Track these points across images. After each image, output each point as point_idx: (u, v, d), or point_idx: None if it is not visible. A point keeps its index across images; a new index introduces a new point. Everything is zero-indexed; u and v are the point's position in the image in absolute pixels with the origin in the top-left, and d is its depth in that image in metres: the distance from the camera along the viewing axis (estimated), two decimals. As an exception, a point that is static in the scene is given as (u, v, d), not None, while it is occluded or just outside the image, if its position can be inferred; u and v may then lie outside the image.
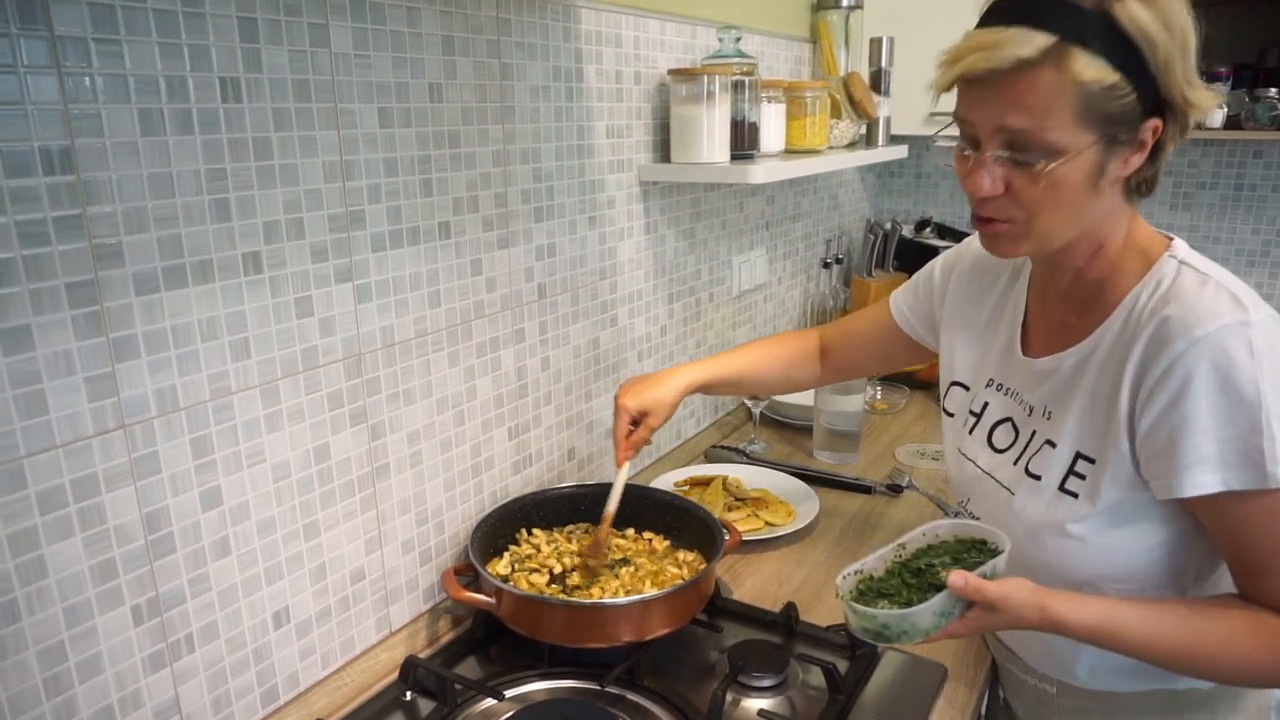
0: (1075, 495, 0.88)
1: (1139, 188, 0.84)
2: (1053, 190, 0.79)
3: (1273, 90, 1.99)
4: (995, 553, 0.88)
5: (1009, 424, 0.98)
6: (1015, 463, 0.95)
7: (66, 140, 0.72)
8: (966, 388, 1.06)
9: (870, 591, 0.92)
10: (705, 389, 1.22)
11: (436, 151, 1.08)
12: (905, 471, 1.63)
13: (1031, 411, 0.95)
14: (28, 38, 0.69)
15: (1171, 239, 0.87)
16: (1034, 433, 0.94)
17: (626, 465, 1.18)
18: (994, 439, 1.00)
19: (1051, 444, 0.91)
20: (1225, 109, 2.05)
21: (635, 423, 1.16)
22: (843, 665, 1.07)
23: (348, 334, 1.00)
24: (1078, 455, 0.88)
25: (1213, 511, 0.81)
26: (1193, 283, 0.81)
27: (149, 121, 0.78)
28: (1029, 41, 0.74)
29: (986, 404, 1.02)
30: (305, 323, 0.95)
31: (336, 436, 1.01)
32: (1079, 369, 0.89)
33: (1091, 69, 0.73)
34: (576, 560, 1.19)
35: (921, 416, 1.97)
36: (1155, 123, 0.78)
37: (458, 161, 1.11)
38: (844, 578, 0.92)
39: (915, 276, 1.19)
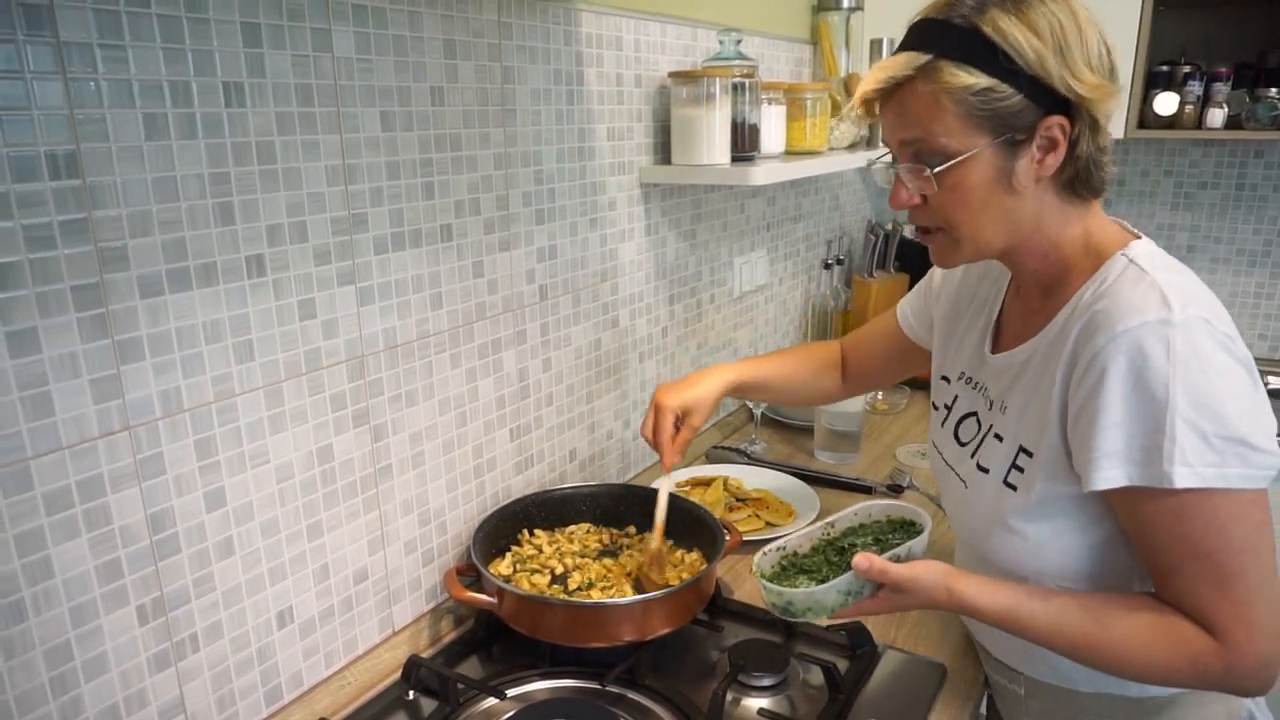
0: (1014, 489, 0.90)
1: (1073, 186, 0.85)
2: (956, 193, 0.84)
3: (1273, 90, 1.99)
4: (919, 534, 0.92)
5: (974, 418, 1.00)
6: (972, 456, 0.97)
7: (72, 145, 0.73)
8: (948, 381, 1.08)
9: (792, 568, 0.97)
10: (739, 390, 1.24)
11: (438, 154, 1.08)
12: (906, 472, 1.64)
13: (991, 406, 0.97)
14: (34, 43, 0.70)
15: (1138, 238, 0.88)
16: (991, 427, 0.96)
17: (672, 471, 1.19)
18: (959, 432, 1.02)
19: (999, 437, 0.93)
20: (1226, 109, 2.05)
21: (676, 426, 1.17)
22: (843, 665, 1.08)
23: (350, 336, 1.01)
24: (1020, 449, 0.90)
25: (1124, 508, 0.82)
26: (1129, 280, 0.82)
27: (153, 126, 0.79)
28: (906, 62, 0.82)
29: (956, 397, 1.04)
30: (308, 325, 0.96)
31: (339, 438, 1.02)
32: (1026, 364, 0.91)
33: (959, 76, 0.79)
34: (627, 570, 1.18)
35: (922, 417, 1.97)
36: (1058, 120, 0.80)
37: (459, 164, 1.12)
38: (764, 554, 0.97)
39: (920, 282, 1.21)
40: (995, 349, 0.98)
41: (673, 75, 1.43)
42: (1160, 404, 0.76)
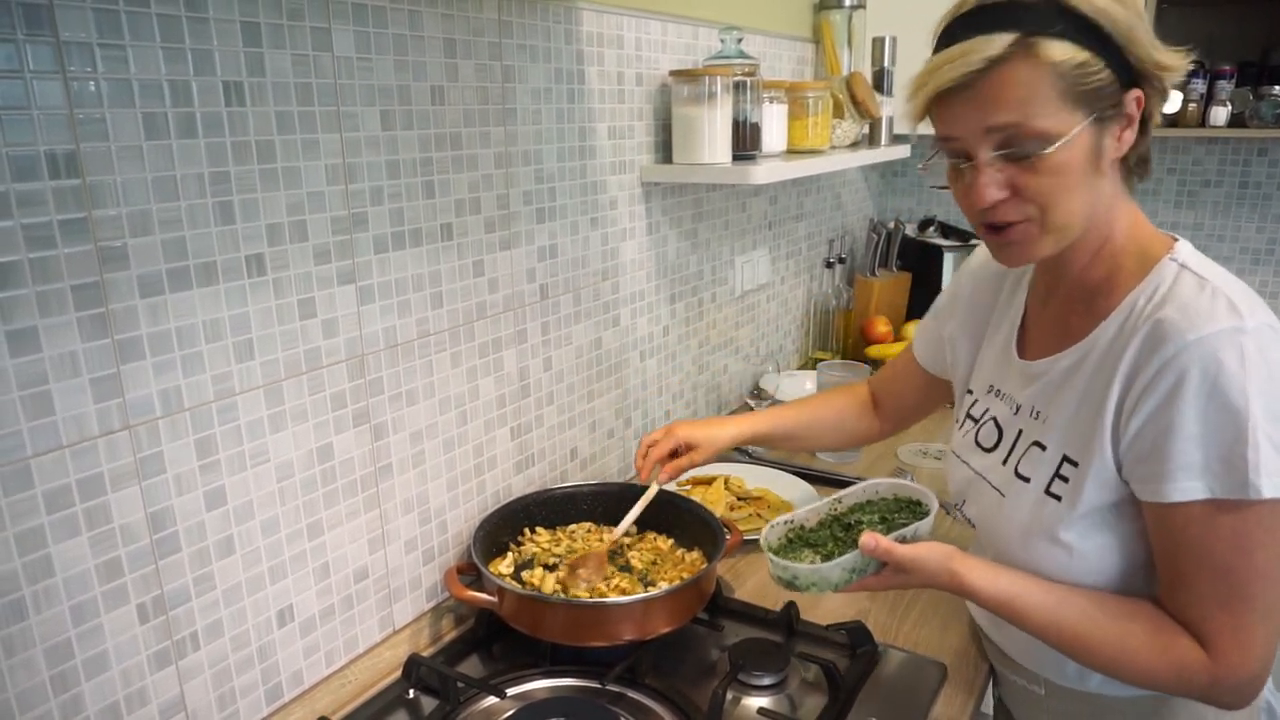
0: (1059, 499, 0.88)
1: (1137, 168, 0.85)
2: (1060, 176, 0.79)
3: (1277, 88, 1.99)
4: (925, 514, 0.93)
5: (993, 423, 0.99)
6: (1004, 463, 0.96)
7: (72, 144, 0.73)
8: (972, 393, 1.07)
9: (799, 541, 0.98)
10: (761, 440, 1.26)
11: (438, 153, 1.08)
12: (908, 471, 1.64)
13: (1018, 410, 0.95)
14: (33, 43, 0.70)
15: (1176, 240, 0.86)
16: (1020, 432, 0.94)
17: (654, 489, 1.21)
18: (980, 438, 1.01)
19: (1041, 446, 0.91)
20: (1230, 107, 2.04)
21: (675, 453, 1.19)
22: (843, 664, 1.07)
23: (350, 335, 1.01)
24: (1064, 458, 0.88)
25: (1177, 517, 0.79)
26: (1191, 287, 0.80)
27: (153, 125, 0.79)
28: (994, 42, 0.76)
29: (984, 408, 1.03)
30: (308, 324, 0.96)
31: (339, 437, 1.02)
32: (1072, 371, 0.88)
33: (1060, 50, 0.75)
34: (565, 564, 1.18)
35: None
36: (1137, 93, 0.79)
37: (460, 163, 1.12)
38: (772, 527, 0.98)
39: (926, 315, 1.20)
40: (1022, 355, 0.97)
41: (674, 74, 1.43)
42: (1239, 413, 0.74)
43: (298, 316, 0.95)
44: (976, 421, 1.03)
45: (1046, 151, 0.77)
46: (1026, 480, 0.92)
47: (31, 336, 0.73)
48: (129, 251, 0.79)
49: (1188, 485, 0.77)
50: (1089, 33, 0.75)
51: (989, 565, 0.88)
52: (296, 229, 0.93)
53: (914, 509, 0.98)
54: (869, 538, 0.88)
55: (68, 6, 0.72)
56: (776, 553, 0.96)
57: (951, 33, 0.80)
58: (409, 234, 1.06)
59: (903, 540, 0.90)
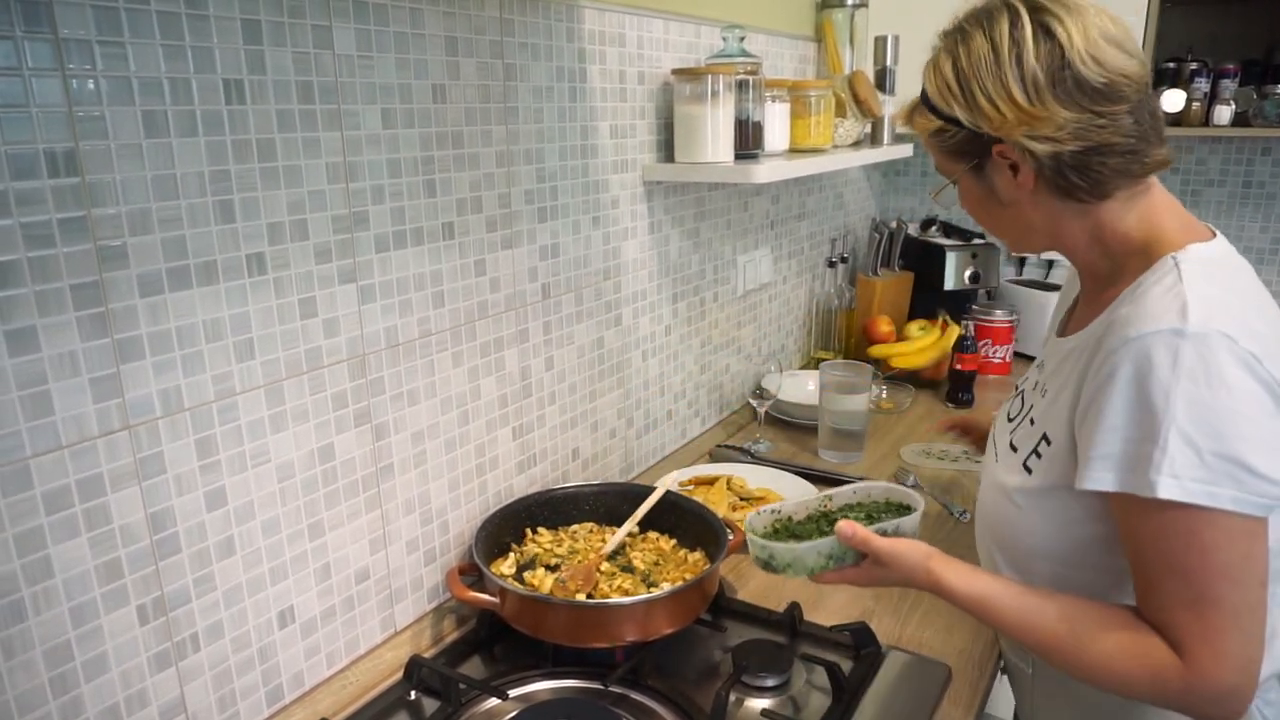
0: (1030, 471, 0.92)
1: (1072, 191, 0.85)
2: (969, 204, 0.96)
3: (1281, 87, 1.98)
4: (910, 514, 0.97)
5: (1020, 397, 1.04)
6: (1012, 433, 0.99)
7: (71, 142, 0.73)
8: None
9: (784, 531, 1.02)
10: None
11: (440, 152, 1.08)
12: (910, 471, 1.63)
13: (1036, 386, 0.99)
14: (32, 40, 0.70)
15: (1214, 235, 0.88)
16: (1031, 406, 0.98)
17: (660, 491, 1.24)
18: (1010, 409, 1.05)
19: (1032, 421, 0.95)
20: (1234, 106, 2.04)
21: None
22: (846, 665, 1.07)
23: (352, 335, 1.01)
24: (1043, 436, 0.91)
25: (1119, 514, 0.82)
26: (1161, 287, 0.80)
27: (153, 123, 0.78)
28: (906, 108, 0.96)
29: (1025, 380, 1.07)
30: (309, 324, 0.96)
31: (341, 437, 1.01)
32: (1071, 355, 0.91)
33: (921, 121, 0.93)
34: (562, 571, 1.17)
35: (926, 416, 1.97)
36: (999, 147, 0.86)
37: (461, 162, 1.11)
38: (758, 514, 1.02)
39: None
40: (1062, 332, 1.00)
41: (676, 73, 1.42)
42: (1158, 413, 0.75)
43: (298, 316, 0.94)
44: (1017, 391, 1.07)
45: (941, 189, 0.96)
46: (1015, 450, 0.96)
47: (30, 336, 0.73)
48: (129, 250, 0.78)
49: (1101, 476, 0.79)
50: (933, 108, 0.89)
51: (966, 566, 0.90)
52: (297, 228, 0.92)
53: (902, 512, 0.99)
54: (846, 525, 0.92)
55: (67, 3, 0.71)
56: (760, 537, 0.98)
57: None
58: (410, 233, 1.06)
59: (883, 534, 0.93)
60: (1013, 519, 0.94)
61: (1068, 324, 1.00)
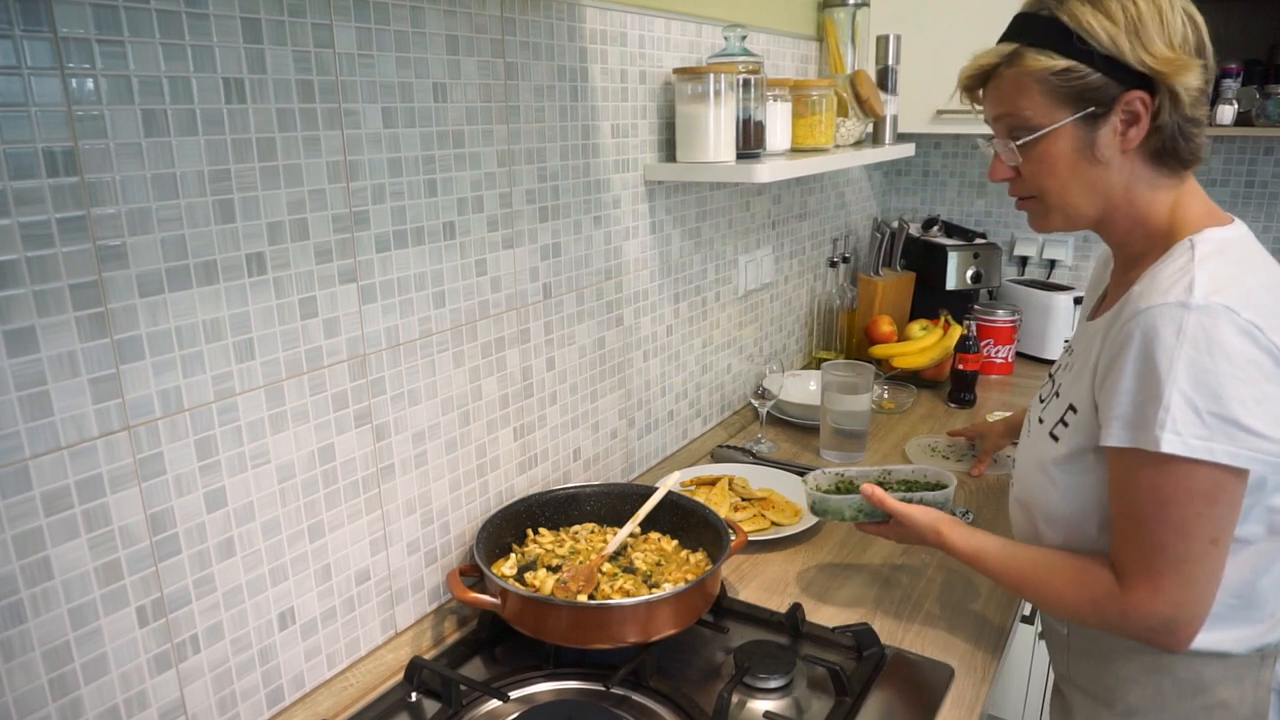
0: (1056, 440, 0.99)
1: (1161, 156, 0.91)
2: (1043, 163, 0.94)
3: (1283, 87, 1.97)
4: (943, 487, 1.20)
5: (1051, 379, 1.10)
6: (1042, 409, 1.06)
7: (70, 142, 0.72)
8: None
9: (845, 488, 1.26)
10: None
11: (441, 151, 1.07)
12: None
13: (1067, 367, 1.04)
14: (31, 39, 0.69)
15: (1231, 220, 0.93)
16: (1060, 385, 1.04)
17: (661, 492, 1.26)
18: (1042, 392, 1.11)
19: (1058, 394, 1.03)
20: (1236, 105, 2.03)
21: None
22: (849, 666, 1.07)
23: (352, 335, 1.00)
24: (1069, 406, 0.98)
25: (1118, 465, 0.90)
26: (1174, 266, 0.87)
27: (152, 123, 0.78)
28: (993, 52, 0.95)
29: (1057, 365, 1.12)
30: (309, 324, 0.95)
31: (341, 437, 1.01)
32: (1098, 332, 0.96)
33: (1040, 60, 0.90)
34: (564, 572, 1.16)
35: (928, 415, 1.96)
36: (1139, 94, 0.88)
37: (462, 161, 1.11)
38: (823, 472, 1.28)
39: None
40: (1092, 316, 1.06)
41: (677, 72, 1.42)
42: (1161, 378, 0.83)
43: (299, 316, 0.94)
44: (1049, 376, 1.12)
45: (1032, 139, 0.93)
46: (1042, 423, 1.04)
47: (29, 336, 0.72)
48: (128, 250, 0.78)
49: (1117, 433, 0.87)
50: (1071, 44, 0.88)
51: (967, 529, 1.08)
52: (297, 227, 0.92)
53: (936, 489, 1.21)
54: (867, 487, 1.15)
55: (66, 2, 0.71)
56: (818, 489, 1.23)
57: (1000, 36, 0.96)
58: (411, 232, 1.05)
59: (908, 502, 1.14)
60: (1042, 485, 1.01)
61: (1098, 310, 1.05)
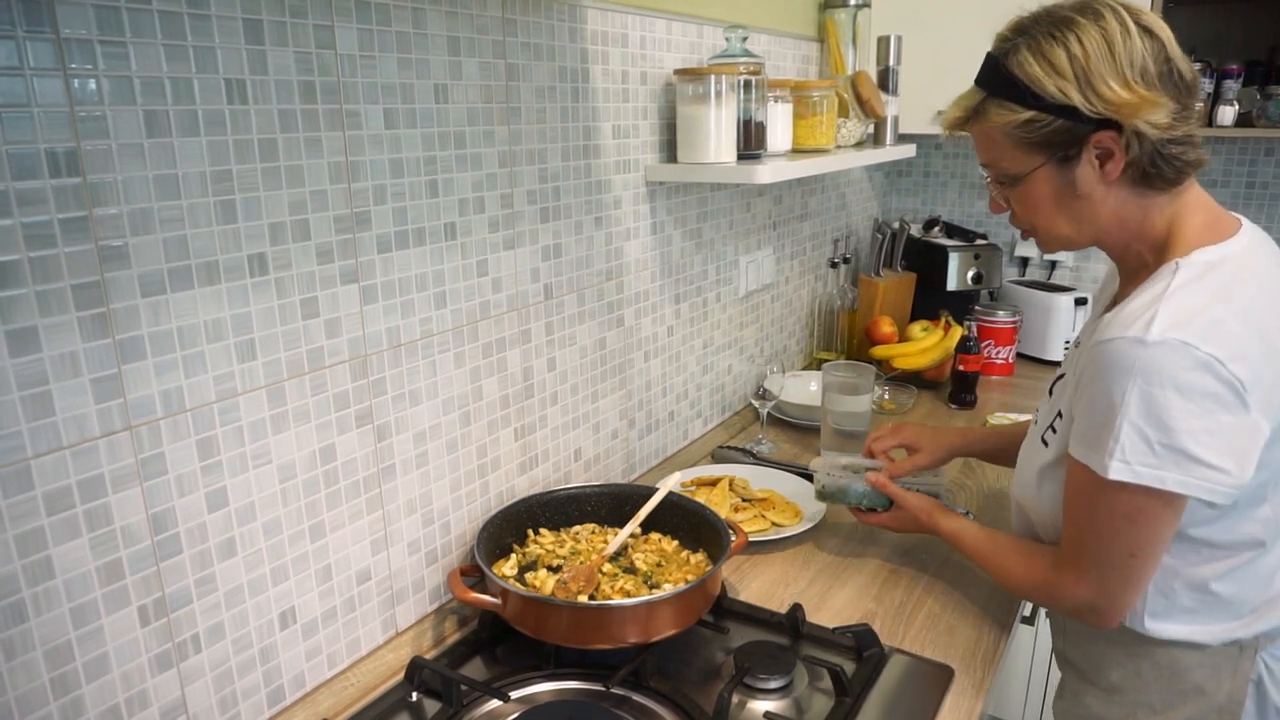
0: (1045, 444, 1.03)
1: (1146, 179, 0.92)
2: (1028, 204, 0.97)
3: (1285, 88, 1.97)
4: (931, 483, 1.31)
5: (1061, 380, 1.10)
6: (1038, 413, 1.11)
7: (72, 142, 0.73)
8: None
9: (855, 471, 1.33)
10: (974, 453, 1.42)
11: (442, 152, 1.08)
12: (913, 472, 1.63)
13: (1067, 371, 1.06)
14: (33, 40, 0.70)
15: (1235, 230, 0.93)
16: (1056, 389, 1.07)
17: (662, 492, 1.26)
18: (1052, 390, 1.12)
19: (1050, 395, 1.07)
20: (1237, 106, 2.03)
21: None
22: (849, 667, 1.07)
23: (354, 335, 1.00)
24: (1058, 413, 1.01)
25: (1070, 467, 0.95)
26: (1147, 295, 0.89)
27: (154, 123, 0.78)
28: (960, 104, 0.97)
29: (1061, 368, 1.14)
30: (311, 324, 0.95)
31: (342, 437, 1.01)
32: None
33: (1001, 114, 0.92)
34: (564, 572, 1.16)
35: (930, 415, 1.96)
36: (1106, 134, 0.89)
37: (463, 162, 1.11)
38: (831, 462, 1.36)
39: None
40: None
41: (678, 73, 1.42)
42: (1114, 408, 0.86)
43: (300, 316, 0.94)
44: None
45: (1013, 185, 0.97)
46: (1036, 424, 1.09)
47: (31, 336, 0.72)
48: (130, 250, 0.78)
49: (1075, 446, 0.93)
50: (1027, 97, 0.90)
51: (955, 516, 1.20)
52: (299, 228, 0.92)
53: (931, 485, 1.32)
54: (873, 475, 1.28)
55: (68, 3, 0.71)
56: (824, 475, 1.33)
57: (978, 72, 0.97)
58: (412, 233, 1.05)
59: (905, 488, 1.27)
60: (1033, 487, 1.05)
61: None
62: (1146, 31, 0.88)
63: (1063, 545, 0.99)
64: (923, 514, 1.21)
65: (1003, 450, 1.38)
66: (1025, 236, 1.04)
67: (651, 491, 1.27)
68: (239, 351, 0.88)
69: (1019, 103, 0.90)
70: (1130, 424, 0.85)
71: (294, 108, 0.89)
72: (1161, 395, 0.84)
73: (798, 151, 1.65)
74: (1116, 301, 1.02)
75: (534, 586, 1.13)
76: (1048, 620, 1.23)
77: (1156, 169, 0.90)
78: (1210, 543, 0.94)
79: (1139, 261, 0.97)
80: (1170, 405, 0.84)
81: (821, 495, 1.29)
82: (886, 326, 2.20)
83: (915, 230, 2.41)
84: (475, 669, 1.11)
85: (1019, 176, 0.95)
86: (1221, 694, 0.97)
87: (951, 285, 2.29)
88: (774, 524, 1.43)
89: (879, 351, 2.14)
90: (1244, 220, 0.97)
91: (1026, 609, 1.33)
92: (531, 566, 1.19)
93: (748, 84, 1.42)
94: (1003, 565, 1.10)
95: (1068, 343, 1.19)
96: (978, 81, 0.95)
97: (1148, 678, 1.01)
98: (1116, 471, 0.87)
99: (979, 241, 2.36)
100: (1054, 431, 1.01)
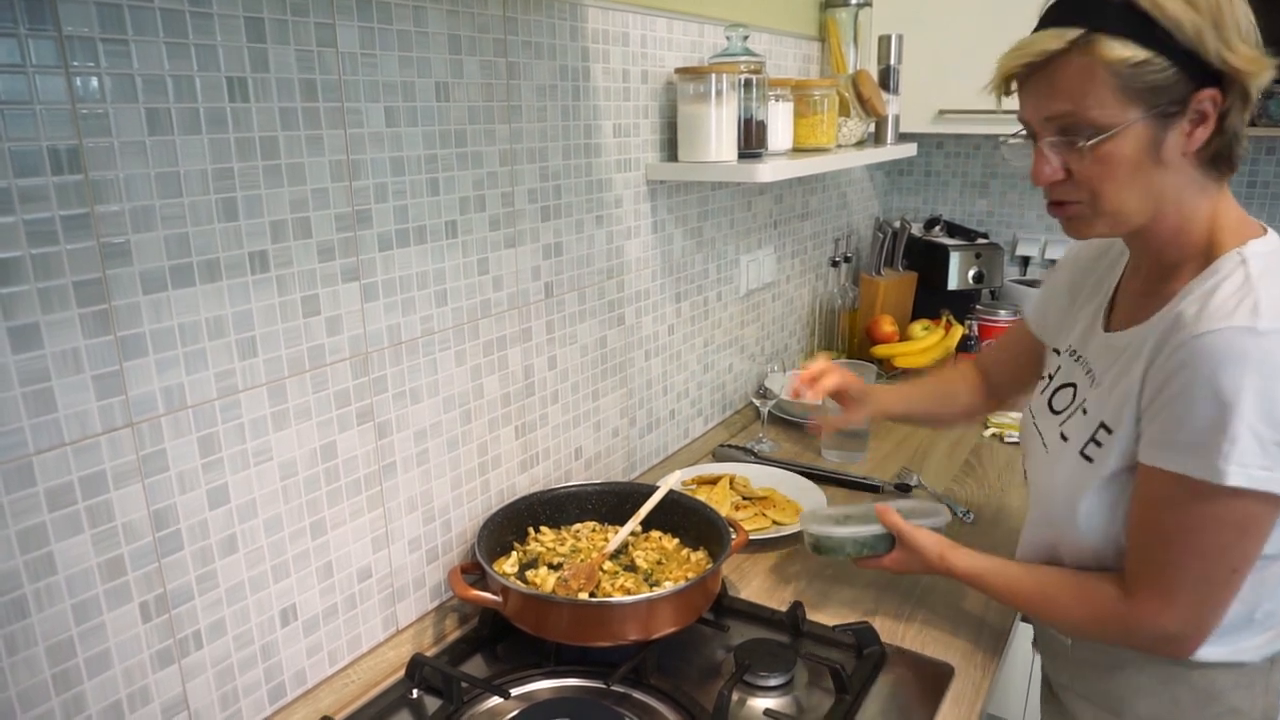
0: (1090, 460, 0.93)
1: (1215, 161, 0.86)
2: (1106, 165, 0.84)
3: (1286, 87, 1.97)
4: (934, 516, 1.17)
5: (1071, 389, 1.03)
6: (1060, 425, 1.01)
7: (74, 140, 0.73)
8: (1058, 353, 1.11)
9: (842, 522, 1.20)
10: (895, 416, 1.37)
11: (443, 151, 1.08)
12: (914, 470, 1.63)
13: (1094, 381, 0.98)
14: (36, 38, 0.70)
15: (1265, 232, 0.89)
16: (1085, 400, 0.98)
17: (663, 490, 1.25)
18: (1054, 401, 1.05)
19: (1084, 410, 0.97)
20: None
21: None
22: (849, 665, 1.07)
23: (354, 333, 1.01)
24: (1100, 424, 0.93)
25: (1152, 484, 0.86)
26: (1231, 283, 0.83)
27: (156, 121, 0.78)
28: (1058, 36, 0.82)
29: (1059, 368, 1.07)
30: (312, 321, 0.96)
31: (343, 435, 1.01)
32: (1128, 346, 0.92)
33: (1117, 49, 0.79)
34: (565, 570, 1.17)
35: (930, 416, 1.96)
36: (1211, 93, 0.81)
37: (464, 161, 1.11)
38: (815, 513, 1.22)
39: (1041, 285, 1.23)
40: (1109, 327, 1.00)
41: (679, 71, 1.42)
42: (1227, 407, 0.78)
43: (301, 314, 0.94)
44: (1052, 380, 1.08)
45: (1096, 140, 0.83)
46: (1066, 440, 0.98)
47: (33, 333, 0.73)
48: (132, 247, 0.78)
49: (1168, 457, 0.84)
50: (1153, 34, 0.79)
51: (969, 551, 1.08)
52: (300, 226, 0.92)
53: (931, 516, 1.18)
54: (880, 506, 1.14)
55: (70, 1, 0.71)
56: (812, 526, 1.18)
57: (1043, 19, 0.85)
58: (413, 231, 1.06)
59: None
60: (1068, 506, 0.96)
61: (1110, 318, 1.01)
62: (1247, 7, 0.83)
63: (1137, 570, 0.89)
64: (933, 555, 1.08)
65: (925, 408, 1.36)
66: (1062, 211, 0.91)
67: (652, 490, 1.27)
68: (240, 349, 0.89)
69: (1138, 39, 0.79)
70: (1246, 423, 0.77)
71: (295, 105, 0.90)
72: (1276, 389, 0.77)
73: (799, 150, 1.65)
74: (1136, 302, 0.96)
75: (535, 584, 1.13)
76: (1038, 656, 1.16)
77: (1231, 149, 0.85)
78: (1271, 554, 0.87)
79: (1179, 254, 0.90)
80: None
81: (816, 549, 1.17)
82: (887, 326, 2.20)
83: (916, 229, 2.41)
84: (476, 666, 1.12)
85: (1106, 128, 0.82)
86: (1257, 712, 0.94)
87: (952, 284, 2.29)
88: (774, 522, 1.43)
89: (880, 351, 2.14)
90: (1269, 228, 0.92)
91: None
92: (532, 564, 1.19)
93: (749, 83, 1.42)
94: (1051, 604, 0.98)
95: (1058, 350, 1.10)
96: (1066, 20, 0.82)
97: (1185, 704, 0.95)
98: (1235, 477, 0.78)
99: (980, 241, 2.36)
100: (1098, 445, 0.92)
